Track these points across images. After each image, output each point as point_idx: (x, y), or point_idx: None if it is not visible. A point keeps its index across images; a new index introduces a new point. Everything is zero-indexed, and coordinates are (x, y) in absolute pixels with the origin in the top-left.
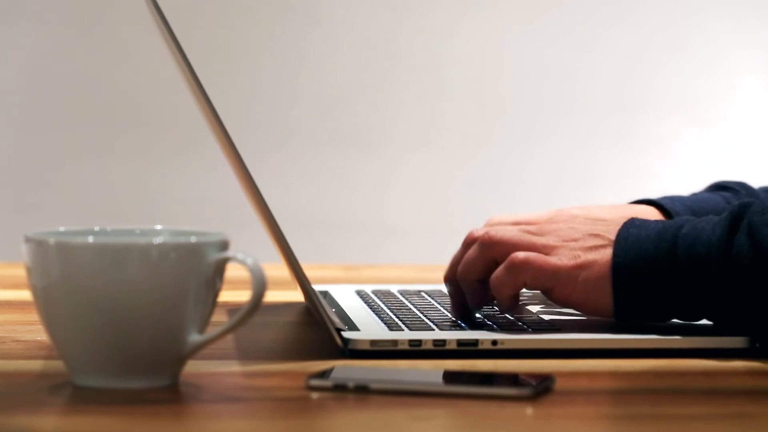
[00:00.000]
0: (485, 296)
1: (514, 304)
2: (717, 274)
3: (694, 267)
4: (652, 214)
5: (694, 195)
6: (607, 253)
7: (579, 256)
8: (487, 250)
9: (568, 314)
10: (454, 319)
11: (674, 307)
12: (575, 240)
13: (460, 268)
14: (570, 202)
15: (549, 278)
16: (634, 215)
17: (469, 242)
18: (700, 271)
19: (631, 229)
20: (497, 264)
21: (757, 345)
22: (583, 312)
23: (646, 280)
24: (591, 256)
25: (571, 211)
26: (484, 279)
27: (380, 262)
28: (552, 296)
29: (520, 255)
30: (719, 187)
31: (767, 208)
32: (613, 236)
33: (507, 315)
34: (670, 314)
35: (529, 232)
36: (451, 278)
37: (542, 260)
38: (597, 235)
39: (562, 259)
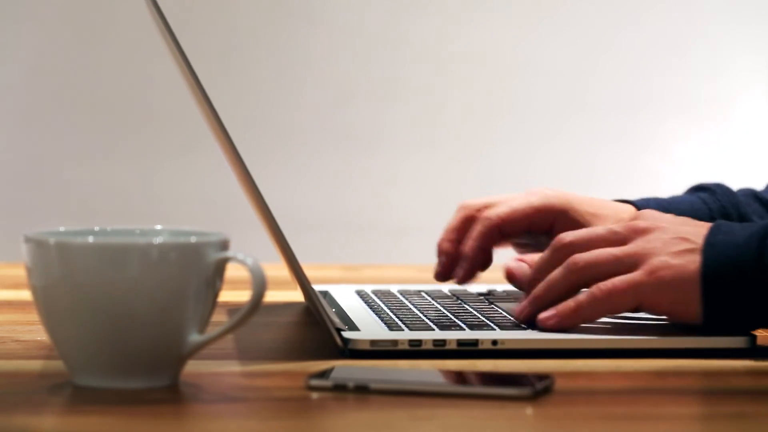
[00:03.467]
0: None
1: None
2: None
3: None
4: (630, 213)
5: (673, 197)
6: (695, 259)
7: (666, 262)
8: (574, 276)
9: None
10: (515, 319)
11: (762, 315)
12: (663, 243)
13: (541, 289)
14: None
15: (633, 299)
16: (614, 211)
17: (558, 248)
18: None
19: (718, 235)
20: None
21: None
22: (671, 319)
23: (734, 287)
24: (678, 261)
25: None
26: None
27: (381, 262)
28: (643, 310)
29: (603, 288)
30: (698, 189)
31: None
32: (700, 240)
33: (507, 315)
34: (758, 322)
35: (614, 241)
36: (531, 284)
37: (624, 285)
38: (685, 239)
39: (646, 272)
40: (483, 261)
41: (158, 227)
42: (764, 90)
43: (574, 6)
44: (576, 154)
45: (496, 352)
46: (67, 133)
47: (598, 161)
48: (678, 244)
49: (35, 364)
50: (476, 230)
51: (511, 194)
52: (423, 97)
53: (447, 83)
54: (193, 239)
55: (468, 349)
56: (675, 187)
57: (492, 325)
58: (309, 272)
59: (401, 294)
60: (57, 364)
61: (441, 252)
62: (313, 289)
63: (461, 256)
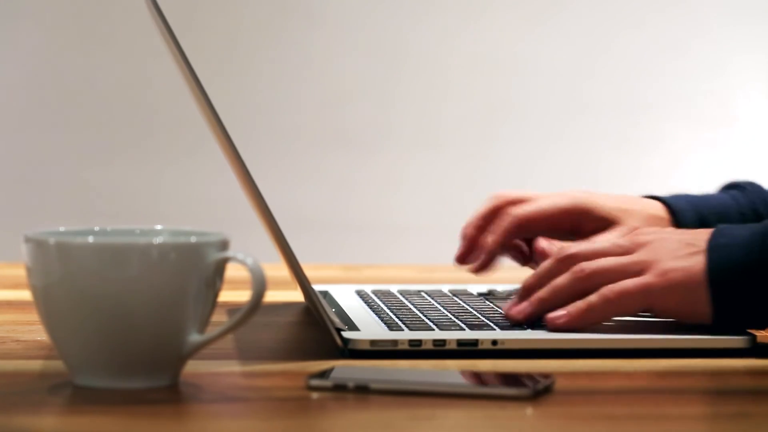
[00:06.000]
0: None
1: None
2: None
3: None
4: (658, 208)
5: (704, 194)
6: (700, 260)
7: (673, 265)
8: (580, 283)
9: None
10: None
11: None
12: (667, 250)
13: (546, 292)
14: None
15: (643, 301)
16: (642, 207)
17: (561, 258)
18: None
19: (720, 238)
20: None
21: None
22: (683, 320)
23: (740, 287)
24: (685, 263)
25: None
26: None
27: (381, 262)
28: (652, 313)
29: (614, 289)
30: (730, 186)
31: None
32: (703, 244)
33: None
34: (765, 319)
35: (618, 254)
36: (529, 289)
37: (634, 287)
38: (689, 244)
39: (654, 275)
40: (511, 253)
41: (158, 227)
42: (765, 89)
43: (575, 8)
44: (579, 155)
45: (496, 352)
46: (68, 133)
47: (601, 161)
48: (682, 249)
49: (35, 364)
50: (500, 225)
51: (544, 193)
52: (424, 98)
53: (449, 84)
54: (193, 239)
55: (468, 349)
56: (676, 187)
57: (492, 325)
58: (309, 272)
59: (401, 294)
60: (57, 364)
61: (464, 237)
62: (313, 289)
63: (481, 246)
